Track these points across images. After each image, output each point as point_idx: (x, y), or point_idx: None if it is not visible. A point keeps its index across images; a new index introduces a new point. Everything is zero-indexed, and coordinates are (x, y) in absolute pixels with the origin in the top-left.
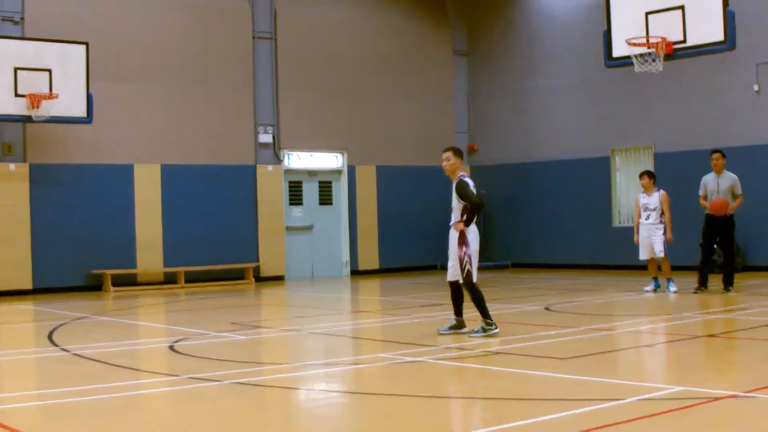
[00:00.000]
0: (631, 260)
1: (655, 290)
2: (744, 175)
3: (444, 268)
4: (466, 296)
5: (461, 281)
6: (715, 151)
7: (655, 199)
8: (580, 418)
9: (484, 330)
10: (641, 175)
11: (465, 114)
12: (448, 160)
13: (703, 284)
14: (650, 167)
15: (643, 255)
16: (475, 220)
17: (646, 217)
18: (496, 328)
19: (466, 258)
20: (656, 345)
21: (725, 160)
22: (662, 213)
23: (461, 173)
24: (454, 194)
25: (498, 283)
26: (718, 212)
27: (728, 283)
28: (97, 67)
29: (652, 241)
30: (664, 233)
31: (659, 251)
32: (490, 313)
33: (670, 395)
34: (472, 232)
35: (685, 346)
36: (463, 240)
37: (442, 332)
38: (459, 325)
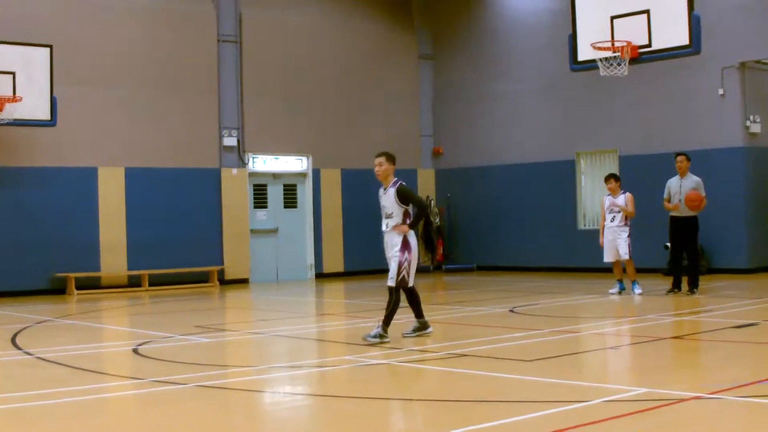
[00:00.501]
0: (596, 262)
1: (620, 292)
2: (708, 178)
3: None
4: (402, 297)
5: (391, 284)
6: (679, 153)
7: (621, 201)
8: (545, 420)
9: (381, 336)
10: (607, 179)
11: (430, 117)
12: (381, 165)
13: (676, 286)
14: (615, 170)
15: (608, 257)
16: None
17: (611, 219)
18: (389, 339)
19: (406, 263)
20: (621, 347)
21: (689, 163)
22: (632, 214)
23: (395, 178)
24: (393, 199)
25: (463, 285)
26: (691, 203)
27: (693, 286)
28: (61, 70)
29: (617, 243)
30: (629, 235)
31: (624, 253)
32: (390, 324)
33: (635, 397)
34: (413, 237)
35: (650, 348)
36: (406, 245)
37: (406, 335)
38: (423, 327)
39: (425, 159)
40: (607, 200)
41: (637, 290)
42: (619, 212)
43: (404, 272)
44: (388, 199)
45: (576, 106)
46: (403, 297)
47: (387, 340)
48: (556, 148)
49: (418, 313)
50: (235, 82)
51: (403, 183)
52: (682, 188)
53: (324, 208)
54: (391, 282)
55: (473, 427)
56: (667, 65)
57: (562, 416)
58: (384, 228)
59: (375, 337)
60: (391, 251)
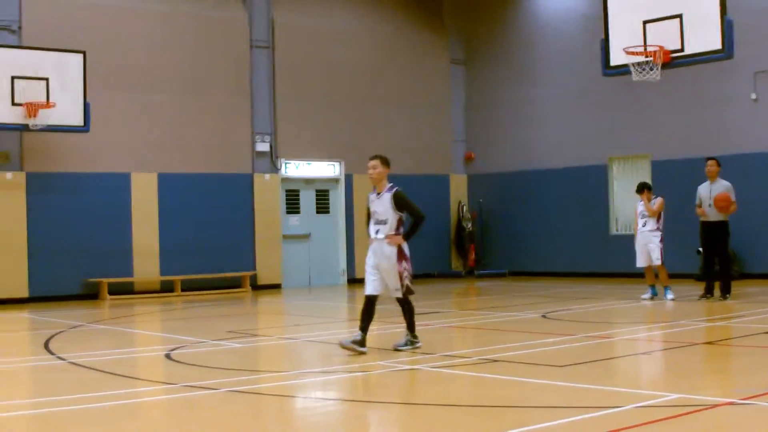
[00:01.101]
0: (629, 268)
1: (652, 298)
2: (741, 183)
3: (441, 275)
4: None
5: (399, 296)
6: (709, 158)
7: (653, 206)
8: (577, 426)
9: (412, 343)
10: (640, 191)
11: (462, 122)
12: (375, 168)
13: (708, 291)
14: (648, 175)
15: (640, 262)
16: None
17: (642, 224)
18: (420, 343)
19: (406, 273)
20: (653, 352)
21: (720, 168)
22: (658, 220)
23: (390, 183)
24: (389, 205)
25: (495, 291)
26: (720, 203)
27: (725, 291)
28: (95, 76)
29: (649, 248)
30: (662, 241)
31: (656, 259)
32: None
33: (668, 402)
34: (406, 244)
35: (683, 354)
36: (402, 255)
37: (398, 348)
38: (362, 342)
39: (457, 164)
40: (640, 205)
41: (669, 296)
42: (651, 217)
43: (407, 281)
44: (382, 204)
45: (608, 111)
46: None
47: (419, 344)
48: (588, 153)
49: (365, 327)
50: (268, 88)
51: (400, 189)
52: (712, 193)
53: (357, 214)
54: (397, 293)
55: None
56: (699, 70)
57: (594, 422)
58: (374, 234)
59: (406, 344)
60: (386, 262)
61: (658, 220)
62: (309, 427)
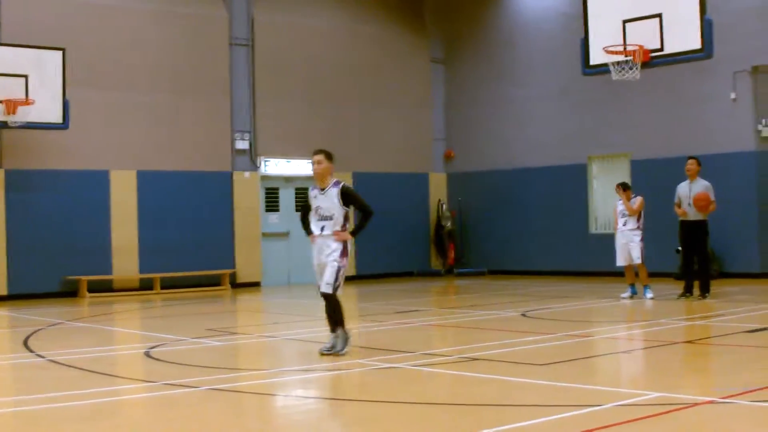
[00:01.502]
0: (609, 267)
1: (631, 297)
2: (720, 182)
3: (421, 274)
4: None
5: (328, 291)
6: (690, 157)
7: (632, 205)
8: (558, 424)
9: (346, 340)
10: (619, 190)
11: (442, 121)
12: (320, 164)
13: (688, 290)
14: (627, 174)
15: (620, 261)
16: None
17: (623, 223)
18: (350, 336)
19: (343, 270)
20: (633, 351)
21: (700, 167)
22: (639, 219)
23: (335, 178)
24: (336, 200)
25: (475, 290)
26: (699, 203)
27: (704, 290)
28: (74, 74)
29: (629, 247)
30: (642, 240)
31: (636, 257)
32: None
33: (648, 401)
34: (350, 242)
35: (663, 353)
36: (345, 250)
37: (324, 352)
38: (345, 340)
39: (437, 163)
40: (620, 204)
41: (649, 294)
42: (631, 216)
43: (341, 278)
44: (327, 199)
45: (588, 110)
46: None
47: (349, 337)
48: (568, 152)
49: (337, 326)
50: (248, 86)
51: (346, 183)
52: (691, 192)
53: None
54: (327, 288)
55: (486, 431)
56: (679, 69)
57: (574, 420)
58: (318, 231)
59: (345, 345)
60: (328, 256)
61: (638, 219)
62: (289, 425)
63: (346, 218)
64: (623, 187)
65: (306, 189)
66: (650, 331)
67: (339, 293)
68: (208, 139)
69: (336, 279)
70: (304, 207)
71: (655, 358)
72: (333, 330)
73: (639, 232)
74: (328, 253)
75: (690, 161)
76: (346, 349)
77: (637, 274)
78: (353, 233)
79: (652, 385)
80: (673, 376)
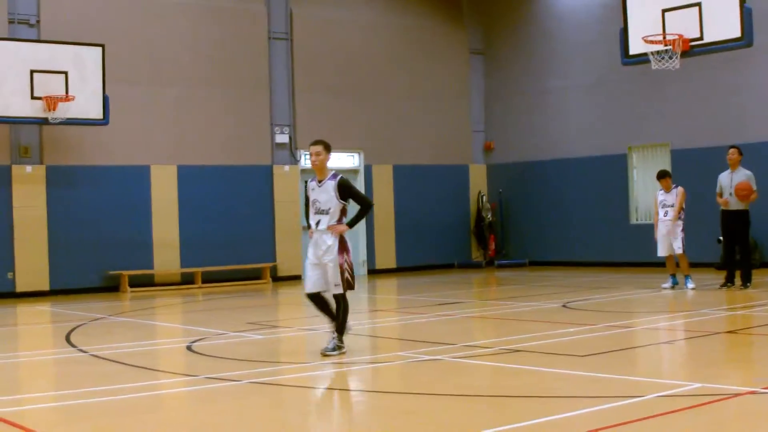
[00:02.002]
0: (650, 257)
1: (672, 287)
2: (762, 171)
3: (461, 266)
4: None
5: (338, 292)
6: (731, 146)
7: (673, 195)
8: (599, 416)
9: (339, 348)
10: (660, 178)
11: (481, 113)
12: (318, 155)
13: (729, 280)
14: (667, 164)
15: (662, 252)
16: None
17: (664, 214)
18: (345, 349)
19: (347, 266)
20: (675, 342)
21: (741, 156)
22: (680, 209)
23: (333, 170)
24: (333, 193)
25: (515, 281)
26: (741, 192)
27: (746, 280)
28: (113, 69)
29: (670, 237)
30: (683, 230)
31: (678, 248)
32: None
33: (689, 392)
34: (348, 236)
35: (704, 343)
36: (344, 246)
37: (327, 353)
38: (340, 345)
39: (477, 154)
40: (660, 195)
41: (690, 285)
42: (671, 206)
43: (348, 275)
44: (324, 192)
45: (628, 100)
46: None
47: (344, 350)
48: (607, 142)
49: (341, 329)
50: (287, 79)
51: (344, 176)
52: (732, 182)
53: (376, 205)
54: (337, 289)
55: (527, 422)
56: (719, 58)
57: (616, 411)
58: (314, 225)
59: (333, 350)
60: (326, 255)
61: (679, 210)
62: (330, 418)
63: (342, 212)
64: (664, 174)
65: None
66: (691, 322)
67: (352, 290)
68: (248, 133)
69: (343, 277)
70: (305, 200)
71: (696, 348)
72: (340, 330)
73: (680, 222)
74: (324, 250)
75: (731, 150)
76: (335, 353)
77: (677, 264)
78: (350, 224)
79: (694, 375)
80: (715, 367)
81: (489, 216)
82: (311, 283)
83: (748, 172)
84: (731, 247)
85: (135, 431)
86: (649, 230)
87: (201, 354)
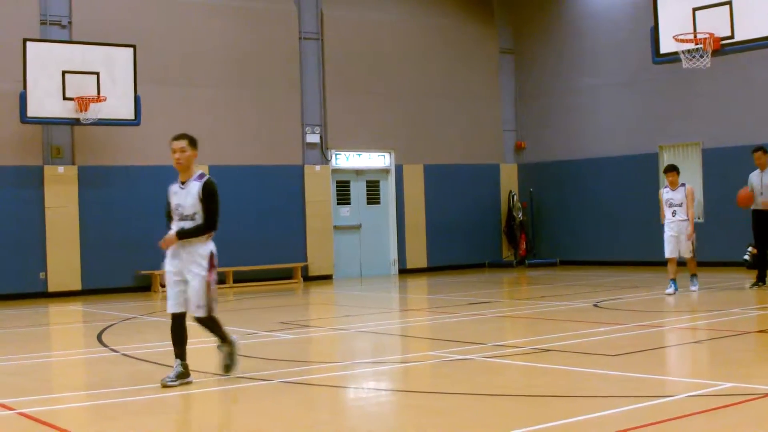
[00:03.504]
0: (680, 257)
1: (675, 292)
2: None
3: (492, 265)
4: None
5: (200, 315)
6: (756, 149)
7: (681, 194)
8: (631, 415)
9: (231, 356)
10: (669, 172)
11: (512, 112)
12: (183, 152)
13: (760, 279)
14: (698, 163)
15: (669, 252)
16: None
17: (671, 214)
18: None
19: (215, 285)
20: (705, 341)
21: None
22: (690, 208)
23: (200, 170)
24: (198, 197)
25: (546, 280)
26: (741, 204)
27: None
28: (145, 70)
29: (680, 239)
30: (694, 231)
31: (688, 252)
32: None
33: (721, 391)
34: (214, 246)
35: (735, 342)
36: (213, 260)
37: (169, 383)
38: (186, 372)
39: (508, 154)
40: (666, 192)
41: (693, 287)
42: (679, 205)
43: (214, 295)
44: (188, 196)
45: (658, 99)
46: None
47: (235, 347)
48: (638, 141)
49: (182, 353)
50: (317, 80)
51: (212, 178)
52: (763, 182)
53: (407, 204)
54: (200, 312)
55: (558, 422)
56: (750, 56)
57: (647, 411)
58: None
59: (233, 357)
60: (191, 269)
61: (693, 215)
62: (362, 417)
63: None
64: (670, 169)
65: (377, 181)
66: (722, 321)
67: (214, 314)
68: (279, 133)
69: (208, 297)
70: (167, 206)
71: (727, 347)
72: (180, 356)
73: (689, 223)
74: (189, 262)
75: (757, 153)
76: (176, 383)
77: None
78: (180, 234)
79: (725, 375)
80: (746, 366)
81: (520, 215)
82: (174, 302)
83: None
84: (762, 247)
85: (166, 430)
86: None
87: None
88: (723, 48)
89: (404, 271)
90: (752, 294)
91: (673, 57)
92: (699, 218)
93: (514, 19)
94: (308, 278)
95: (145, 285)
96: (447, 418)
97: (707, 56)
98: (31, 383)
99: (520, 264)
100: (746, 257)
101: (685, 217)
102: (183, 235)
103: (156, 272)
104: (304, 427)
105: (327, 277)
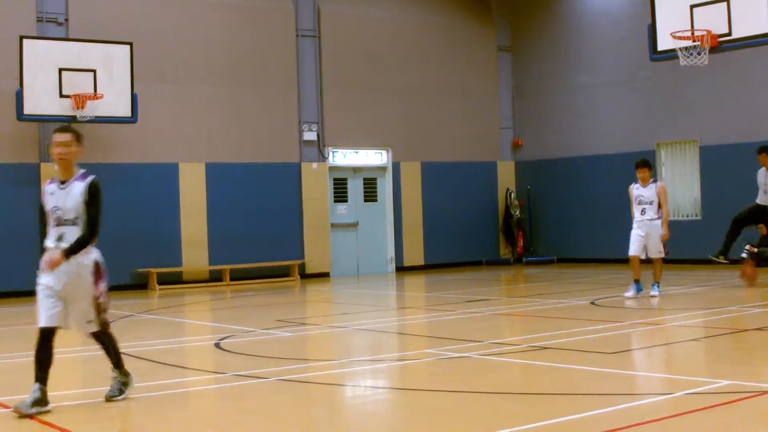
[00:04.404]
0: (678, 254)
1: (637, 293)
2: None
3: (489, 263)
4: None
5: (96, 329)
6: (762, 150)
7: (651, 191)
8: (629, 413)
9: (125, 386)
10: (641, 167)
11: (509, 109)
12: (68, 146)
13: (723, 254)
14: (696, 161)
15: (634, 251)
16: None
17: (641, 212)
18: (133, 379)
19: (106, 296)
20: (703, 339)
21: None
22: (659, 207)
23: (83, 169)
24: (81, 199)
25: (544, 278)
26: (746, 281)
27: None
28: (141, 67)
29: (649, 239)
30: (666, 230)
31: (658, 252)
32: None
33: (720, 389)
34: (99, 254)
35: (733, 340)
36: (100, 271)
37: (24, 411)
38: (45, 400)
39: (505, 151)
40: (635, 189)
41: (655, 292)
42: (649, 203)
43: (105, 306)
44: (69, 197)
45: (656, 96)
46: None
47: (132, 382)
48: (636, 138)
49: (45, 378)
50: (315, 77)
51: (97, 178)
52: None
53: (404, 202)
54: (91, 327)
55: (555, 420)
56: (748, 53)
57: (646, 409)
58: (53, 243)
59: (120, 391)
60: (75, 282)
61: (659, 207)
62: (359, 415)
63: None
64: (642, 164)
65: (374, 179)
66: (720, 318)
67: (108, 328)
68: (276, 130)
69: (99, 311)
70: (40, 209)
71: (725, 345)
72: (42, 380)
73: (660, 222)
74: (71, 275)
75: (761, 156)
76: (125, 395)
77: (638, 268)
78: (67, 252)
79: (723, 372)
80: (745, 364)
81: (517, 213)
82: (47, 315)
83: None
84: (741, 227)
85: (163, 429)
86: (677, 227)
87: (229, 351)
88: (720, 45)
89: (401, 269)
90: (750, 291)
91: (671, 54)
92: (696, 215)
93: (512, 16)
94: (305, 276)
95: (142, 283)
96: (444, 415)
97: (705, 53)
98: (29, 381)
99: (517, 262)
100: (744, 255)
101: (655, 216)
102: (70, 252)
103: (153, 270)
104: (301, 425)
105: (324, 275)
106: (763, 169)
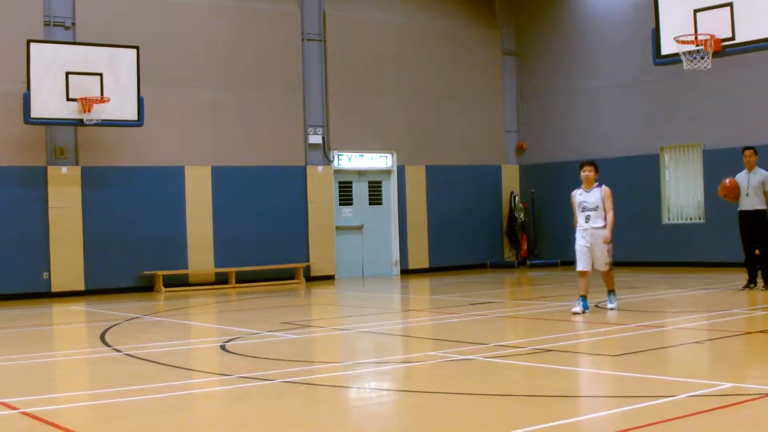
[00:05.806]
0: (681, 257)
1: (584, 311)
2: None
3: (494, 266)
4: None
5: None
6: (746, 148)
7: (595, 196)
8: (631, 415)
9: None
10: (586, 165)
11: (513, 113)
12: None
13: (752, 281)
14: (699, 165)
15: (582, 265)
16: None
17: (585, 219)
18: None
19: None
20: (706, 342)
21: (757, 156)
22: (605, 213)
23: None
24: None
25: (548, 281)
26: (726, 195)
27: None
28: (148, 71)
29: (595, 250)
30: (611, 240)
31: (603, 264)
32: None
33: (721, 392)
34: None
35: (735, 343)
36: None
37: None
38: None
39: (509, 155)
40: (578, 194)
41: (611, 304)
42: (594, 209)
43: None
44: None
45: (659, 100)
46: None
47: None
48: (639, 142)
49: None
50: (320, 81)
51: None
52: (750, 183)
53: (409, 205)
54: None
55: (558, 422)
56: (752, 57)
57: (648, 411)
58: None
59: None
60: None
61: (605, 214)
62: (364, 417)
63: None
64: (585, 164)
65: (379, 182)
66: (723, 322)
67: None
68: (282, 134)
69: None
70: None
71: (726, 348)
72: None
73: (607, 229)
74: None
75: (747, 152)
76: None
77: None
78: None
79: (725, 375)
80: (746, 367)
81: (521, 216)
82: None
83: (765, 172)
84: (750, 248)
85: (169, 430)
86: (681, 230)
87: (235, 353)
88: (724, 49)
89: (406, 272)
90: (746, 296)
91: (674, 58)
92: (700, 218)
93: (517, 20)
94: (310, 279)
95: (148, 285)
96: (449, 418)
97: (708, 57)
98: (35, 383)
99: (521, 264)
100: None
101: (602, 224)
102: None
103: (159, 272)
104: (306, 427)
105: (329, 278)
106: (744, 172)
